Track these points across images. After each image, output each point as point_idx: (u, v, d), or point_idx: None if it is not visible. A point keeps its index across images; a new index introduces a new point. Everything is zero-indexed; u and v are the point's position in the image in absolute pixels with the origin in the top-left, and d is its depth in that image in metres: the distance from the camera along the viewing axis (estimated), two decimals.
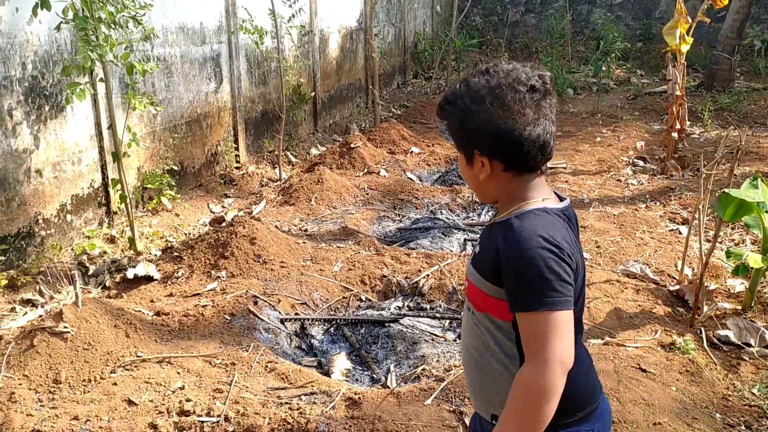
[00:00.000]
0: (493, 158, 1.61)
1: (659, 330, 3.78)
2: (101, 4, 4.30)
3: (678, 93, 6.88)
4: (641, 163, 7.68)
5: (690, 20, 6.57)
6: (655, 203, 6.16)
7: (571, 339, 1.49)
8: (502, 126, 1.55)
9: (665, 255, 4.92)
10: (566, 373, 1.47)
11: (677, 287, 4.33)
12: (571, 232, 1.61)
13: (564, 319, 1.47)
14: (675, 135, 7.07)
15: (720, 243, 5.07)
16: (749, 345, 3.71)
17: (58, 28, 4.32)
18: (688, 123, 7.97)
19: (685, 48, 6.70)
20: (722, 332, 3.80)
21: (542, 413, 1.46)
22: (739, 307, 4.11)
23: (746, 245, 5.09)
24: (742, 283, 4.33)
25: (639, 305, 4.08)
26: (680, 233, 5.38)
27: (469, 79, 1.62)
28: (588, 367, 1.71)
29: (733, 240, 5.26)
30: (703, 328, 3.85)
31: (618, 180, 7.00)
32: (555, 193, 1.71)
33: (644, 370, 3.36)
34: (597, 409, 1.68)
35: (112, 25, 4.37)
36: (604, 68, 12.07)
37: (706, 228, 4.31)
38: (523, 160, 1.59)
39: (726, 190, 3.78)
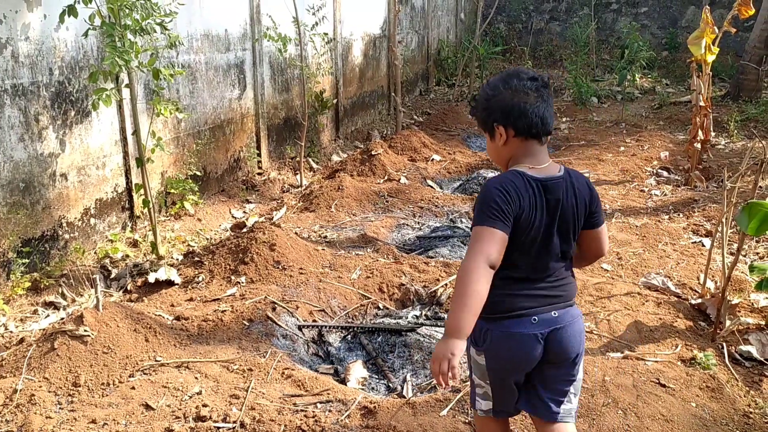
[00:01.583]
0: (507, 126, 2.20)
1: (680, 344, 3.73)
2: (128, 11, 4.36)
3: (702, 104, 6.80)
4: (665, 173, 7.60)
5: (716, 30, 6.50)
6: (679, 215, 6.09)
7: (494, 244, 2.07)
8: (511, 102, 2.18)
9: (687, 267, 4.86)
10: (488, 263, 2.06)
11: (699, 301, 4.27)
12: (538, 194, 2.15)
13: (489, 232, 2.08)
14: (698, 146, 6.98)
15: (744, 256, 4.99)
16: None
17: (86, 34, 4.40)
18: (713, 134, 7.86)
19: (710, 58, 6.62)
20: (744, 348, 3.74)
21: (467, 285, 2.05)
22: (763, 323, 4.03)
23: None
24: (766, 297, 4.25)
25: (660, 318, 4.03)
26: (703, 245, 5.31)
27: (488, 80, 2.32)
28: (517, 292, 2.21)
29: (757, 253, 5.18)
30: (724, 344, 3.79)
31: (641, 190, 6.93)
32: (564, 167, 2.25)
33: (664, 385, 3.31)
34: (516, 321, 2.19)
35: (139, 32, 4.44)
36: (629, 77, 11.97)
37: (729, 241, 4.25)
38: (528, 127, 2.18)
39: (750, 202, 3.72)
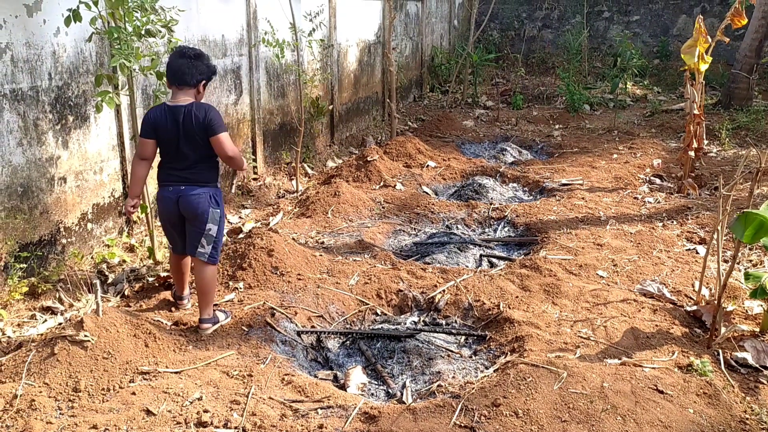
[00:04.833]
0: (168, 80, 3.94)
1: (676, 351, 3.77)
2: (129, 15, 4.38)
3: (696, 112, 6.87)
4: (658, 181, 7.66)
5: (710, 39, 6.57)
6: (672, 222, 6.15)
7: (143, 146, 3.90)
8: (168, 67, 3.86)
9: (682, 275, 4.90)
10: (140, 158, 3.94)
11: (694, 308, 4.32)
12: (169, 115, 3.82)
13: (141, 141, 3.90)
14: (692, 154, 7.05)
15: (738, 263, 5.04)
16: (767, 368, 3.69)
17: (90, 39, 4.41)
18: (705, 142, 7.94)
19: (703, 67, 6.70)
20: (740, 354, 3.78)
21: (132, 171, 4.04)
22: (757, 329, 4.08)
23: (764, 266, 5.07)
24: (761, 305, 4.30)
25: (656, 325, 4.07)
26: (697, 253, 5.36)
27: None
28: (166, 173, 3.99)
29: (750, 261, 5.24)
30: (720, 350, 3.83)
31: (635, 198, 6.98)
32: (194, 102, 3.87)
33: (662, 392, 3.34)
34: (164, 189, 3.97)
35: (144, 35, 4.47)
36: (621, 85, 12.05)
37: (723, 248, 4.30)
38: (169, 79, 3.88)
39: (746, 211, 3.77)
